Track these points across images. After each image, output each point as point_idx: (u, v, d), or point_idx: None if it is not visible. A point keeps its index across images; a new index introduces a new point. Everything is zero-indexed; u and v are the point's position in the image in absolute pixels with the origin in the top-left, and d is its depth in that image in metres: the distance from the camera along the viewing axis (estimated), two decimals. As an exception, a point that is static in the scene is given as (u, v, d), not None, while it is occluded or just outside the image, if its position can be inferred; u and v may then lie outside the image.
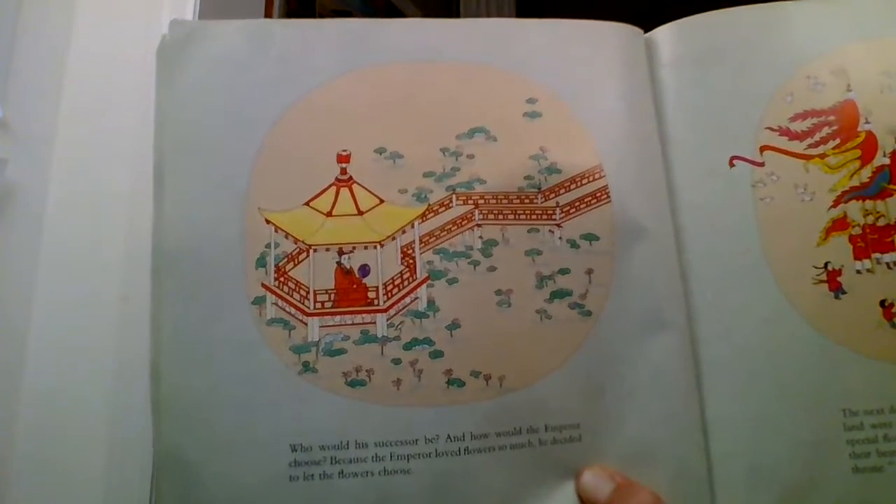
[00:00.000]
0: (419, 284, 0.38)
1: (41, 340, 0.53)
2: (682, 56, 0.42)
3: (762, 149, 0.41)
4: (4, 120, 0.53)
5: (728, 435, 0.38)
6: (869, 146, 0.40)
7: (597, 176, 0.40)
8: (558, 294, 0.39)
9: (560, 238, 0.39)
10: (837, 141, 0.41)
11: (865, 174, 0.40)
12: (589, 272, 0.39)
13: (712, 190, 0.40)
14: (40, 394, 0.51)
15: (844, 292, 0.39)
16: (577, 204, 0.40)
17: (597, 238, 0.39)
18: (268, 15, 0.86)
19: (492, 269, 0.39)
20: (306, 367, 0.37)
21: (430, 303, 0.38)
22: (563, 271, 0.39)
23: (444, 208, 0.39)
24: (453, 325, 0.38)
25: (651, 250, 0.40)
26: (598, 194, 0.40)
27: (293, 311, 0.37)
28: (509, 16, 1.49)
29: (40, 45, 0.58)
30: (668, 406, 0.38)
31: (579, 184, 0.40)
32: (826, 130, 0.41)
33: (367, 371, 0.37)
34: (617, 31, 0.43)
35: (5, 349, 0.54)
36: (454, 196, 0.39)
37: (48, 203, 0.56)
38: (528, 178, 0.40)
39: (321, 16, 1.04)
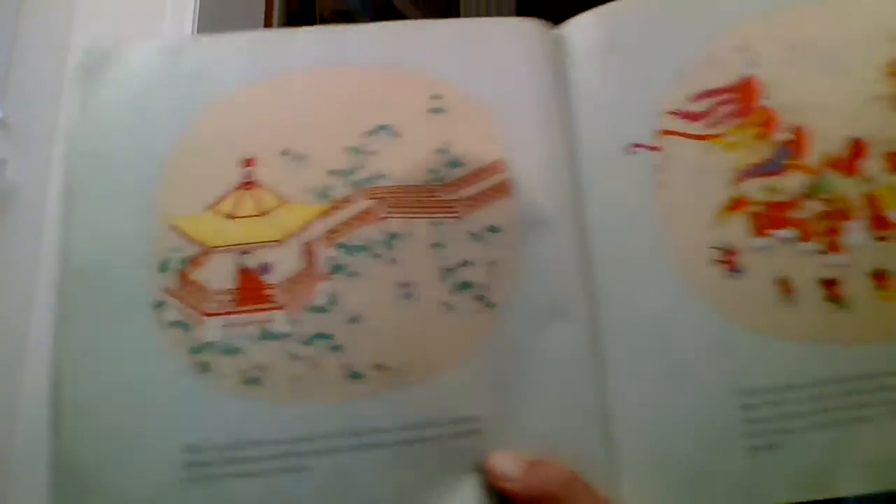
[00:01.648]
0: (320, 280, 0.39)
1: (41, 340, 0.55)
2: (589, 48, 0.42)
3: (662, 133, 0.40)
4: (4, 120, 0.55)
5: (630, 422, 0.38)
6: (769, 123, 0.40)
7: (500, 169, 0.40)
8: (462, 286, 0.39)
9: (463, 231, 0.40)
10: (738, 119, 0.40)
11: (765, 151, 0.39)
12: (492, 264, 0.39)
13: (614, 179, 0.40)
14: (40, 394, 0.53)
15: (742, 271, 0.38)
16: (480, 197, 0.40)
17: (499, 230, 0.40)
18: (268, 18, 0.89)
19: (394, 262, 0.39)
20: (203, 368, 0.37)
21: (332, 298, 0.38)
22: (467, 263, 0.39)
23: (347, 204, 0.40)
24: (354, 319, 0.38)
25: (554, 242, 0.40)
26: (501, 187, 0.40)
27: (193, 312, 0.38)
28: (509, 16, 1.47)
29: (40, 45, 0.59)
30: (569, 396, 0.38)
31: (482, 177, 0.40)
32: (726, 109, 0.40)
33: (264, 369, 0.37)
34: (523, 26, 0.43)
35: (5, 349, 0.56)
36: (357, 192, 0.40)
37: (48, 203, 0.57)
38: (431, 171, 0.40)
39: (322, 18, 1.07)
